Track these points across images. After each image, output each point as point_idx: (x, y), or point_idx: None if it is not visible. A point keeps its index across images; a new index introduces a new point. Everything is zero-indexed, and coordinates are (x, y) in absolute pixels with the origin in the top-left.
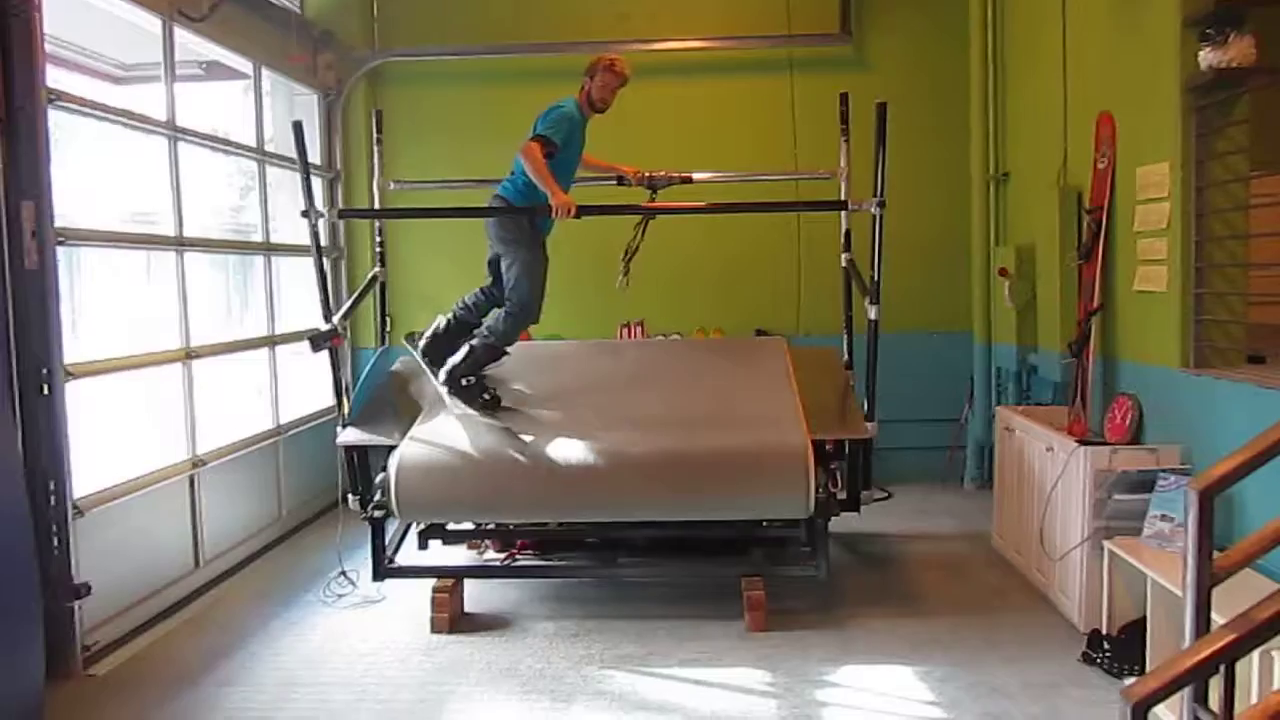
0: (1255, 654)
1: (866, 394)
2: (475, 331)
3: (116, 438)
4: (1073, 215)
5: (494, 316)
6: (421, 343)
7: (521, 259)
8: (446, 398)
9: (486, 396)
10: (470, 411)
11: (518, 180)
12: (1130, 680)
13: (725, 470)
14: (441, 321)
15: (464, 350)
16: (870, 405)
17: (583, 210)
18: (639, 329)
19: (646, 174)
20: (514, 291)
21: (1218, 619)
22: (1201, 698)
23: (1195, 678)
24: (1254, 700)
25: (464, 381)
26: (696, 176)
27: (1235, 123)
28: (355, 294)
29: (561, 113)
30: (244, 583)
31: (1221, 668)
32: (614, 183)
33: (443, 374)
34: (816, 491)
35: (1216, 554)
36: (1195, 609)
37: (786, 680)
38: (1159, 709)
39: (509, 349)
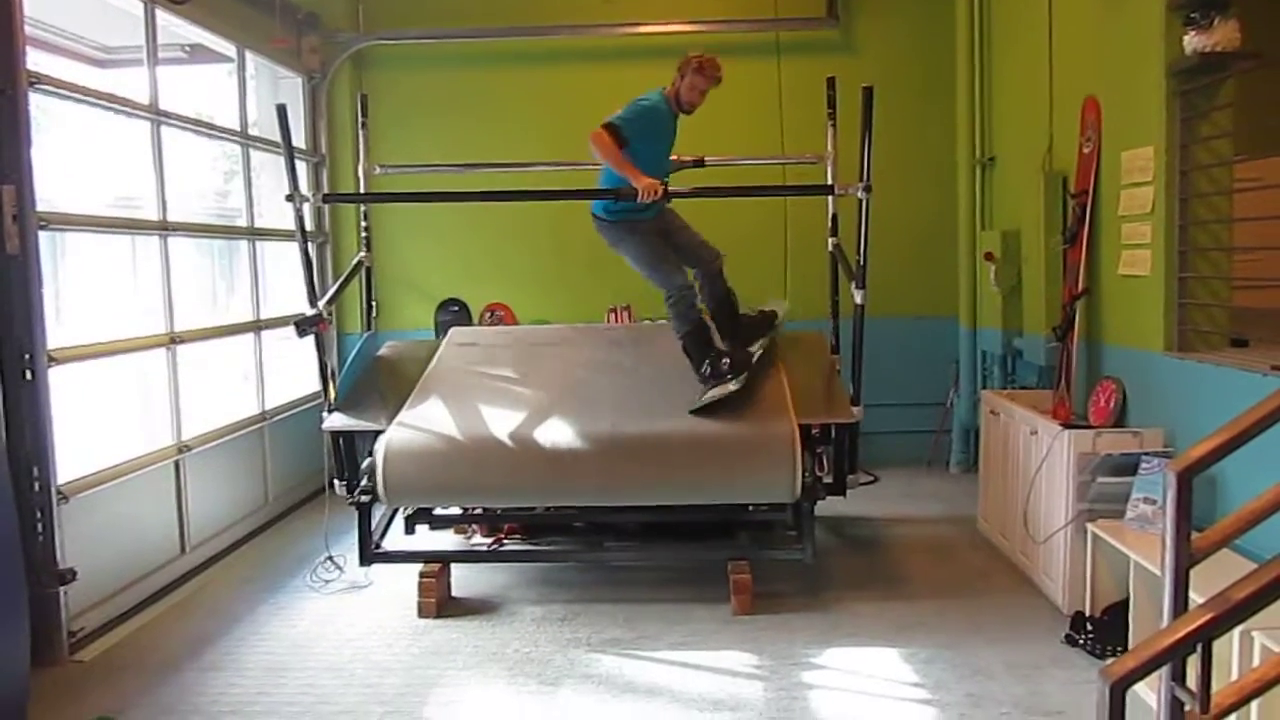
0: (1235, 633)
1: (852, 378)
2: (678, 336)
3: (101, 423)
4: (1058, 199)
5: (669, 316)
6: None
7: (634, 254)
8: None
9: (725, 365)
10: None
11: (606, 180)
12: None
13: (711, 454)
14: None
15: (688, 355)
16: (856, 389)
17: (671, 195)
18: (626, 313)
19: None
20: (653, 282)
21: (1196, 599)
22: (1179, 676)
23: (1172, 656)
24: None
25: (708, 371)
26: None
27: (1219, 107)
28: (341, 279)
29: (642, 105)
30: (230, 568)
31: (1199, 647)
32: None
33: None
34: (803, 475)
35: (1195, 534)
36: (1173, 589)
37: (772, 663)
38: (1138, 687)
39: (703, 319)
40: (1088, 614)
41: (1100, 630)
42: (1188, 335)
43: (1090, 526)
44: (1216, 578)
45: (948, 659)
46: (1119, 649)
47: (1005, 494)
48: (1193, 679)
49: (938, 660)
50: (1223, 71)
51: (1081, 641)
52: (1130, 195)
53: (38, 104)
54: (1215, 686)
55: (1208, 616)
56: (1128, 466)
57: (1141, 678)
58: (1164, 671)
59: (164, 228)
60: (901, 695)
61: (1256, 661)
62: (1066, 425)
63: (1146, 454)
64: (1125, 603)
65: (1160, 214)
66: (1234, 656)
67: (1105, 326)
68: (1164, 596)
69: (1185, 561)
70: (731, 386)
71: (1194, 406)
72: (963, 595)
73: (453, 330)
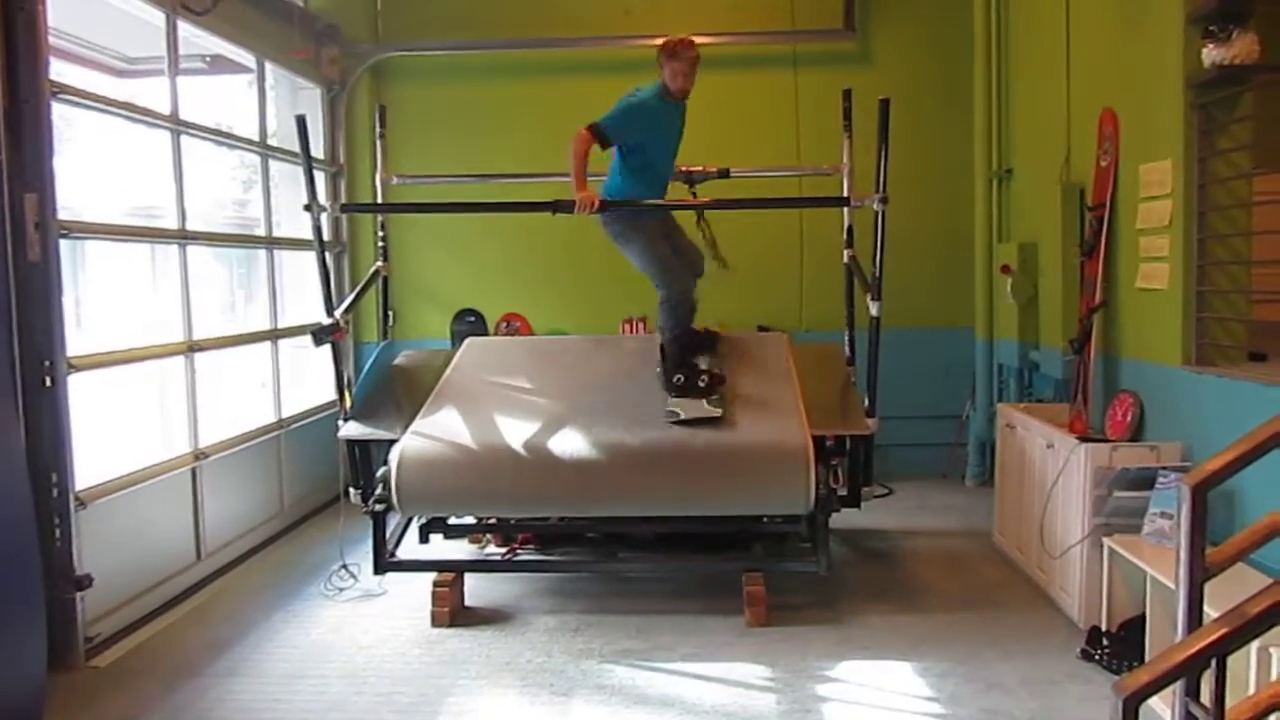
0: (1252, 648)
1: (868, 390)
2: (666, 337)
3: (119, 430)
4: (1075, 212)
5: (660, 315)
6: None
7: (640, 250)
8: (671, 403)
9: (703, 382)
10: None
11: (611, 180)
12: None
13: (726, 465)
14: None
15: (661, 358)
16: (871, 401)
17: (606, 206)
18: (642, 325)
19: (684, 169)
20: (656, 282)
21: (1211, 614)
22: (1194, 692)
23: (1187, 671)
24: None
25: (676, 380)
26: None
27: (1238, 120)
28: (357, 288)
29: (627, 102)
30: (245, 575)
31: (1213, 662)
32: None
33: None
34: (817, 487)
35: (1211, 549)
36: (1188, 603)
37: (786, 675)
38: (1153, 702)
39: (694, 329)
40: (1104, 629)
41: (1116, 645)
42: (1206, 349)
43: (1107, 541)
44: (1232, 592)
45: (962, 673)
46: (1135, 664)
47: (1021, 508)
48: (1207, 694)
49: (952, 675)
50: (1241, 84)
51: (1097, 657)
52: (1148, 208)
53: (60, 113)
54: (1230, 702)
55: (1223, 631)
56: (1145, 481)
57: (1155, 692)
58: (1178, 686)
59: (183, 236)
60: (916, 710)
61: (1273, 677)
62: (1083, 439)
63: (1164, 468)
64: (1142, 618)
65: (1178, 227)
66: (1250, 672)
67: (1123, 340)
68: (1178, 611)
69: (1200, 576)
70: (715, 412)
71: (1212, 421)
72: (978, 609)
73: (468, 340)
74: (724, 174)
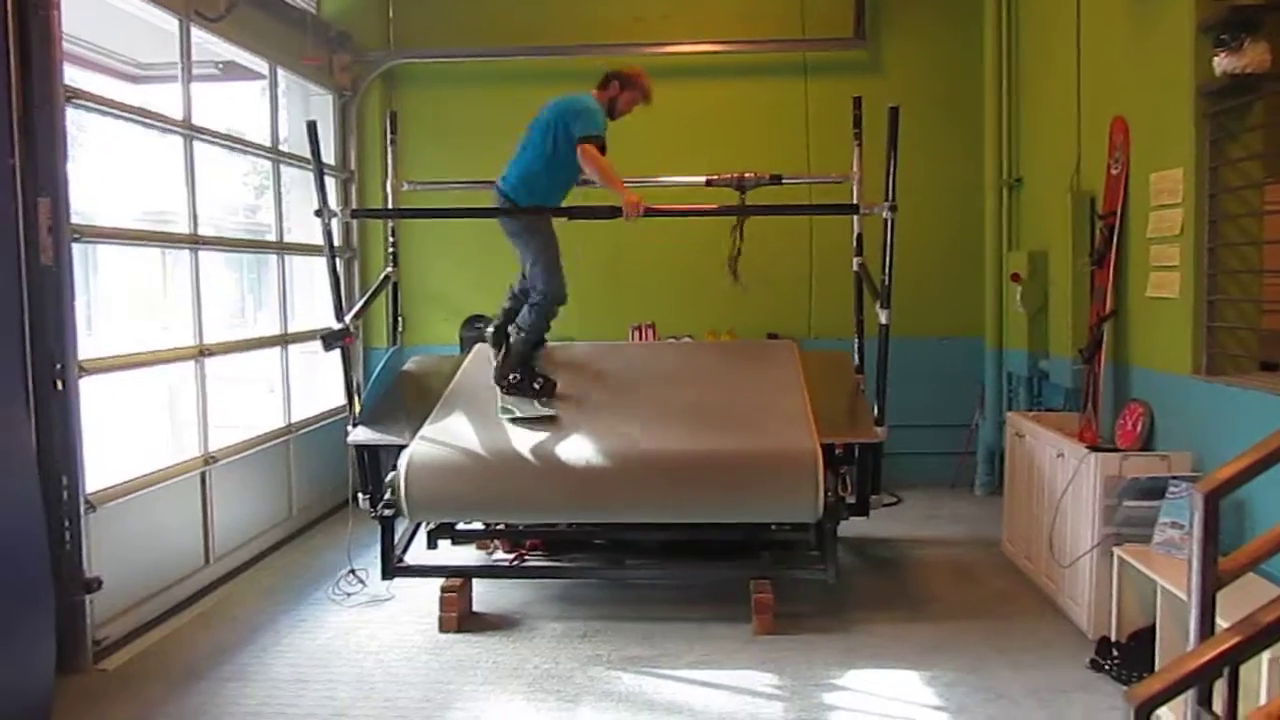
0: (1264, 658)
1: (877, 398)
2: (510, 329)
3: (130, 433)
4: (1085, 221)
5: (526, 313)
6: (489, 335)
7: (541, 245)
8: (504, 400)
9: (538, 385)
10: (519, 411)
11: (509, 179)
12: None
13: (734, 473)
14: (499, 313)
15: (503, 351)
16: (880, 409)
17: (652, 211)
18: (650, 331)
19: (737, 174)
20: (539, 281)
21: (1222, 624)
22: (1205, 700)
23: (1199, 680)
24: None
25: (512, 378)
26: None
27: (1250, 128)
28: (368, 294)
29: (597, 108)
30: (254, 580)
31: (1225, 670)
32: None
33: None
34: (825, 495)
35: (1223, 558)
36: (1200, 612)
37: (793, 683)
38: (1162, 713)
39: (546, 338)
40: (1113, 639)
41: (1126, 656)
42: (1216, 358)
43: (1116, 551)
44: (1242, 602)
45: (970, 683)
46: (1144, 675)
47: (1030, 517)
48: (1219, 704)
49: (960, 684)
50: (1253, 93)
51: (1107, 667)
52: (1159, 217)
53: (74, 119)
54: (1242, 712)
55: (1235, 640)
56: (1155, 490)
57: (1167, 701)
58: (1190, 695)
59: (195, 241)
60: (923, 719)
61: None
62: (1093, 448)
63: (1174, 478)
64: (1152, 628)
65: (1189, 236)
66: (1262, 682)
67: (1133, 349)
68: (1190, 619)
69: (1212, 584)
70: (548, 412)
71: (1223, 430)
72: (986, 618)
73: (477, 346)
74: (776, 180)
